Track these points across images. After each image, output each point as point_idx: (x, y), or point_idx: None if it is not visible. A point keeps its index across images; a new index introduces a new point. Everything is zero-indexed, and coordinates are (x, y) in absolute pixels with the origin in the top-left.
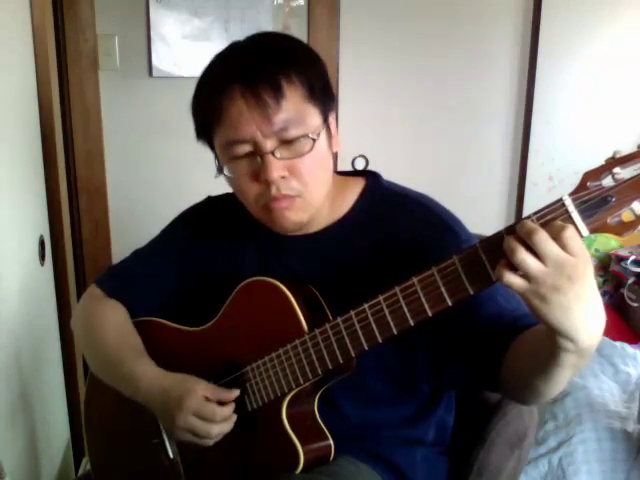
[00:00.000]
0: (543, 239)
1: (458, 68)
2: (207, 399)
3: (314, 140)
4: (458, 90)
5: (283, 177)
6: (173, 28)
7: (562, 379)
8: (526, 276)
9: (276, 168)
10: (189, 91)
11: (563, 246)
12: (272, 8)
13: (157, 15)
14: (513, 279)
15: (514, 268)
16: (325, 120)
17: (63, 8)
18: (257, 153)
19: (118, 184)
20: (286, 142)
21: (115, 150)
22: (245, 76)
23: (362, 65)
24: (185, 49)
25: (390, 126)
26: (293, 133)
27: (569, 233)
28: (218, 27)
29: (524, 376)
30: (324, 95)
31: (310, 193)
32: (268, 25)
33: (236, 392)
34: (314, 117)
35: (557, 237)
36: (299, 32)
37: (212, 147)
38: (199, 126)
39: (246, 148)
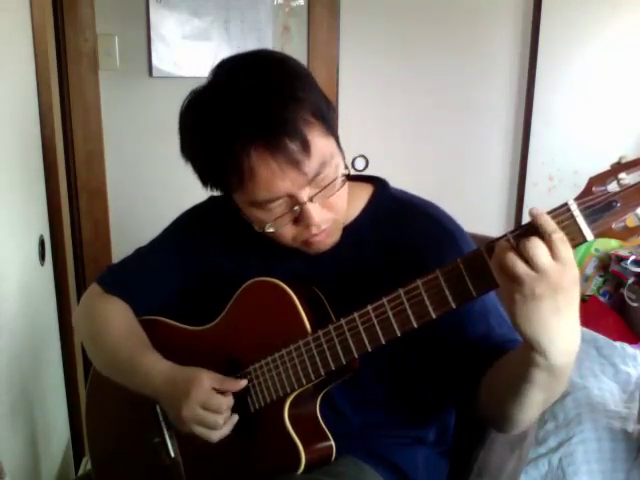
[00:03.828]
0: (534, 245)
1: (458, 68)
2: (214, 390)
3: (345, 176)
4: (458, 90)
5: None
6: (173, 28)
7: (533, 402)
8: (512, 278)
9: (316, 213)
10: (189, 91)
11: (554, 253)
12: (272, 8)
13: (157, 15)
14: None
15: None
16: (337, 139)
17: (63, 8)
18: (294, 204)
19: (118, 184)
20: (319, 185)
21: (115, 150)
22: (268, 132)
23: (362, 65)
24: (185, 49)
25: (390, 126)
26: (325, 176)
27: (560, 235)
28: (218, 27)
29: (498, 396)
30: (329, 113)
31: (342, 215)
32: (268, 25)
33: (244, 382)
34: (332, 145)
35: (548, 239)
36: (299, 32)
37: (225, 193)
38: (209, 178)
39: (279, 202)
